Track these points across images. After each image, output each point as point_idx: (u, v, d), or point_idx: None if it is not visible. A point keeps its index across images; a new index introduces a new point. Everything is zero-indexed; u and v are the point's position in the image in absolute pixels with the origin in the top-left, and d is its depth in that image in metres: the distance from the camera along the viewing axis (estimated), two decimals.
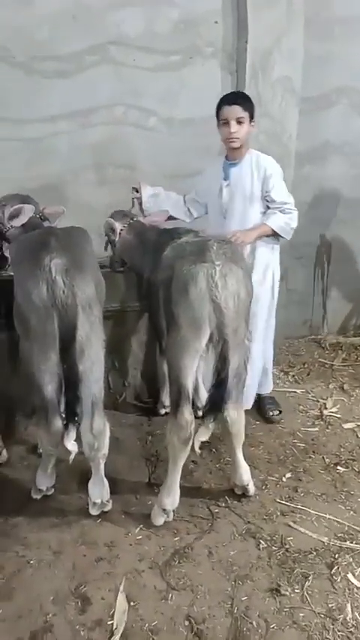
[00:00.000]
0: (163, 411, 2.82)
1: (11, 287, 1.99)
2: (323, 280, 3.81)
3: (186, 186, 3.24)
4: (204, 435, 2.01)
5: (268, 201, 2.55)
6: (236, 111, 2.45)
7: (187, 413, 1.97)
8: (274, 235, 2.58)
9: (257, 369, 2.75)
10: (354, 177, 3.60)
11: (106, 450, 2.02)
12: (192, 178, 3.26)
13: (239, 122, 2.46)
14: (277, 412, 2.83)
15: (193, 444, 1.99)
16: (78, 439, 1.97)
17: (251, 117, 2.50)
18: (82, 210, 2.89)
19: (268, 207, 2.56)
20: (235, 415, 2.06)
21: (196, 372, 2.01)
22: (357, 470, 2.41)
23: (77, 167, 3.10)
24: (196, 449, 2.01)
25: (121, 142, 3.12)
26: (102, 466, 2.05)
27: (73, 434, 1.94)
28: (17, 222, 2.17)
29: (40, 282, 1.80)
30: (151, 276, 2.46)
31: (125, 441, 2.59)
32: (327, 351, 3.67)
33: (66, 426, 1.92)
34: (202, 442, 2.01)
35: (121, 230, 2.65)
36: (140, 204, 2.72)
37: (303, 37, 3.17)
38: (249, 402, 2.72)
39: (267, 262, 2.65)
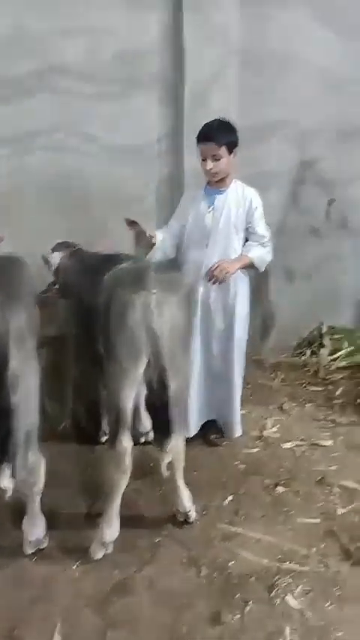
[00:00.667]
0: (104, 439, 2.77)
1: None
2: (262, 301, 3.93)
3: (127, 213, 3.29)
4: (167, 458, 2.00)
5: (250, 232, 2.60)
6: (210, 148, 2.43)
7: (125, 442, 1.95)
8: (250, 267, 2.65)
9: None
10: (290, 205, 3.78)
11: (42, 485, 1.95)
12: (131, 203, 3.33)
13: (215, 158, 2.44)
14: (219, 435, 2.86)
15: (131, 471, 1.97)
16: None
17: (230, 148, 2.46)
18: (23, 235, 2.83)
19: (246, 239, 2.62)
20: (176, 442, 2.06)
21: (135, 399, 2.01)
22: (295, 489, 2.46)
23: (18, 192, 3.05)
24: (164, 472, 2.01)
25: (62, 167, 3.12)
26: (37, 502, 1.98)
27: (7, 470, 1.86)
28: None
29: None
30: (90, 302, 2.44)
31: (64, 471, 2.51)
32: (267, 372, 3.77)
33: (1, 461, 1.85)
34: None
35: (62, 257, 2.65)
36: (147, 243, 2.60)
37: (239, 71, 3.32)
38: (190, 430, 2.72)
39: (245, 293, 2.70)
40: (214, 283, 2.56)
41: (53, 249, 2.65)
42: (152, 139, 3.29)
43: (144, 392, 2.70)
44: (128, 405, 1.95)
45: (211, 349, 2.69)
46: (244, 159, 3.43)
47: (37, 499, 1.98)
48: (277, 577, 1.95)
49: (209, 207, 2.57)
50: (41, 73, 2.99)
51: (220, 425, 2.83)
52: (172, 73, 3.24)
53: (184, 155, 3.26)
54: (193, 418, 2.70)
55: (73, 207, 3.14)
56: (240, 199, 2.57)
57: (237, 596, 1.86)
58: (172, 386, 1.96)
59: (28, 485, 1.92)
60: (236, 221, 2.56)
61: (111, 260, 2.44)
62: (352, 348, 3.93)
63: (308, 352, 3.99)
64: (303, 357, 3.96)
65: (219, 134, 2.44)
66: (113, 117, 3.16)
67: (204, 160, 2.47)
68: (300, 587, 1.90)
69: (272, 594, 1.88)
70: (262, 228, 2.60)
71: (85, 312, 2.47)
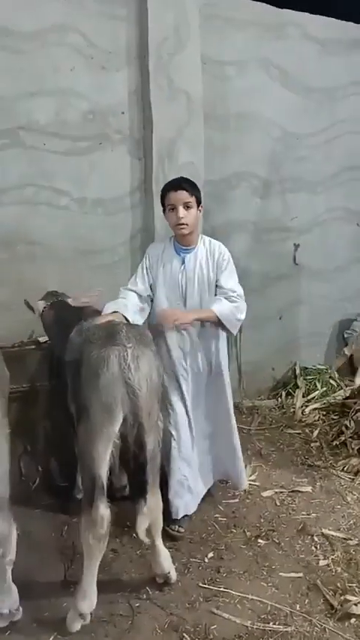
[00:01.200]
0: (80, 495, 2.68)
1: None
2: (237, 346, 3.97)
3: (99, 262, 3.33)
4: (144, 522, 1.93)
5: (218, 287, 2.47)
6: (183, 196, 2.36)
7: (102, 507, 1.86)
8: (220, 325, 2.47)
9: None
10: (256, 251, 3.89)
11: (13, 556, 1.86)
12: (104, 254, 3.37)
13: (187, 207, 2.36)
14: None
15: (107, 539, 1.89)
16: None
17: (198, 202, 2.43)
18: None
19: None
20: (153, 501, 2.02)
21: (110, 458, 1.95)
22: (277, 541, 2.43)
23: None
24: (143, 539, 1.95)
25: (33, 220, 3.14)
26: (9, 574, 1.88)
27: None
28: None
29: None
30: (60, 356, 2.42)
31: (38, 533, 2.42)
32: (244, 416, 3.76)
33: None
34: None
35: (44, 308, 2.64)
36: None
37: (203, 127, 3.48)
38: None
39: (224, 349, 2.59)
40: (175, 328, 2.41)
41: (42, 298, 2.65)
42: (123, 193, 3.37)
43: (118, 447, 2.70)
44: (104, 467, 1.88)
45: (201, 409, 2.57)
46: (212, 210, 3.57)
47: (9, 570, 1.88)
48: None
49: (181, 266, 2.48)
50: (11, 131, 3.04)
51: (227, 480, 2.76)
52: (140, 129, 3.37)
53: (155, 207, 3.34)
54: (197, 490, 2.57)
55: (46, 258, 3.16)
56: (209, 254, 2.50)
57: None
58: (150, 444, 1.94)
59: None
60: (209, 278, 2.48)
61: (80, 313, 2.44)
62: (324, 388, 3.99)
63: (284, 394, 4.03)
64: (279, 399, 3.99)
65: (189, 185, 2.43)
66: (84, 172, 3.23)
67: (172, 210, 2.39)
68: None
69: None
70: (231, 282, 2.48)
71: (58, 364, 2.45)
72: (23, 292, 3.06)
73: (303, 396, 3.91)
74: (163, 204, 2.46)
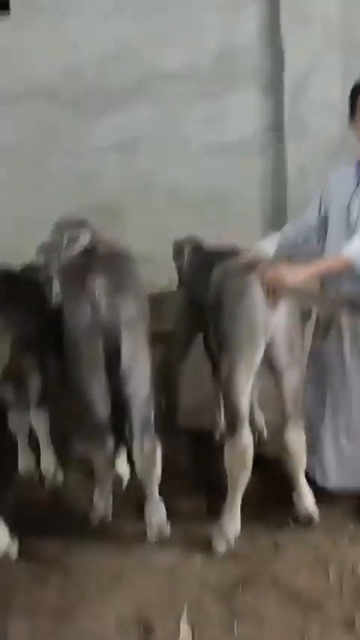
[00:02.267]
0: (218, 435, 2.76)
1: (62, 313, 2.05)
2: None
3: (229, 209, 3.30)
4: None
5: None
6: None
7: (246, 436, 1.90)
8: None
9: None
10: None
11: (159, 473, 1.98)
12: (234, 200, 3.32)
13: None
14: None
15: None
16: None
17: None
18: (130, 235, 2.96)
19: None
20: (297, 438, 1.99)
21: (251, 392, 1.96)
22: None
23: (125, 194, 3.21)
24: None
25: (166, 168, 3.21)
26: (156, 489, 2.01)
27: (123, 457, 1.93)
28: (73, 250, 2.15)
29: (83, 304, 1.85)
30: (201, 298, 2.45)
31: (181, 466, 2.53)
32: None
33: (116, 449, 1.92)
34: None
35: (187, 251, 2.71)
36: None
37: (340, 56, 3.20)
38: None
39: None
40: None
41: (180, 244, 2.72)
42: (253, 135, 3.27)
43: (257, 391, 2.69)
44: (246, 397, 1.90)
45: None
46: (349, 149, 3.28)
47: (156, 486, 2.01)
48: None
49: (356, 189, 2.01)
50: (140, 82, 3.12)
51: None
52: (271, 64, 3.21)
53: (286, 148, 3.20)
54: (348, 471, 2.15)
55: (178, 205, 3.22)
56: None
57: None
58: (291, 379, 1.94)
59: (145, 472, 1.95)
60: None
61: (221, 254, 2.44)
62: None
63: None
64: None
65: None
66: (213, 116, 3.20)
67: None
68: None
69: None
70: None
71: (198, 305, 2.49)
72: (156, 241, 3.15)
73: None
74: (352, 108, 1.98)
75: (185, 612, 1.71)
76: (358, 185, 2.01)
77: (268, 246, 2.20)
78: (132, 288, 1.97)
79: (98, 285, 1.85)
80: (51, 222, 2.41)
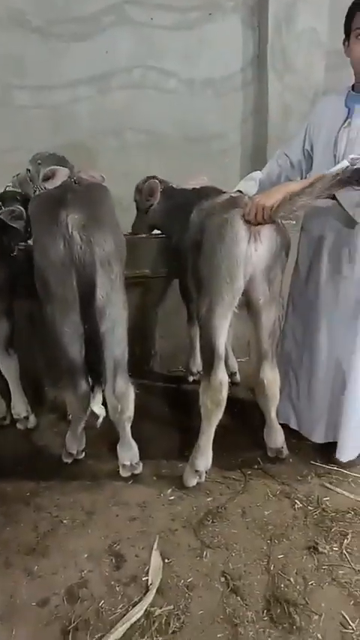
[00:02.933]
0: (191, 379, 2.78)
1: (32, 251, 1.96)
2: None
3: (208, 150, 3.17)
4: None
5: None
6: None
7: (220, 373, 1.91)
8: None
9: None
10: None
11: (131, 413, 1.99)
12: (213, 140, 3.18)
13: None
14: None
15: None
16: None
17: None
18: (107, 175, 2.83)
19: None
20: (272, 376, 2.01)
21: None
22: None
23: (97, 133, 3.03)
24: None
25: (142, 105, 3.04)
26: (128, 429, 2.03)
27: (99, 396, 1.92)
28: (50, 185, 2.03)
29: (56, 239, 1.75)
30: (178, 241, 2.39)
31: (154, 408, 2.57)
32: None
33: (92, 389, 1.91)
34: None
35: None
36: None
37: None
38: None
39: None
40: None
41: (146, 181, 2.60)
42: (234, 70, 3.11)
43: (230, 333, 2.69)
44: (222, 337, 1.90)
45: (342, 332, 2.03)
46: (334, 83, 3.15)
47: (128, 426, 2.03)
48: None
49: (345, 120, 1.88)
50: (117, 6, 2.88)
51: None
52: None
53: (269, 84, 3.05)
54: (318, 419, 2.17)
55: (154, 146, 3.07)
56: None
57: (334, 529, 1.81)
58: (270, 318, 1.93)
59: (118, 411, 1.96)
60: None
61: (199, 194, 2.35)
62: None
63: None
64: None
65: None
66: (193, 48, 3.01)
67: (358, 37, 1.79)
68: None
69: None
70: None
71: (175, 247, 2.43)
72: (133, 183, 3.04)
73: None
74: (347, 31, 1.87)
75: (156, 543, 1.76)
76: (346, 119, 1.89)
77: (249, 187, 2.12)
78: (108, 225, 1.88)
79: (72, 219, 1.75)
80: (15, 164, 2.28)
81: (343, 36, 1.93)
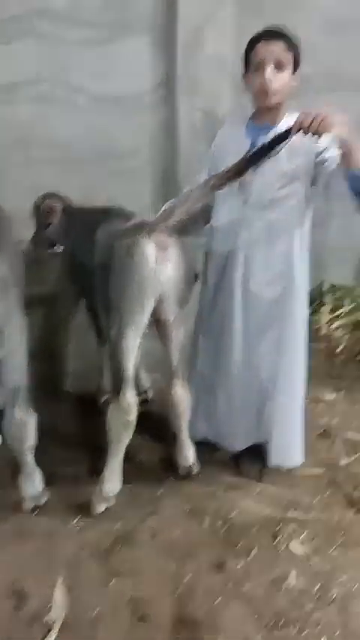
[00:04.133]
0: (103, 399, 2.74)
1: None
2: None
3: (118, 166, 3.17)
4: None
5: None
6: (277, 49, 1.79)
7: (129, 395, 1.91)
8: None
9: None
10: None
11: (32, 442, 1.91)
12: (124, 158, 3.19)
13: (279, 66, 1.81)
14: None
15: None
16: None
17: (295, 65, 1.85)
18: (9, 191, 2.72)
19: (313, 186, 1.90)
20: (183, 393, 2.03)
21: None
22: None
23: (3, 146, 2.92)
24: None
25: (49, 120, 2.97)
26: (30, 458, 1.95)
27: None
28: None
29: None
30: (83, 259, 2.34)
31: (63, 430, 2.49)
32: None
33: None
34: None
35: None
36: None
37: (235, 13, 3.14)
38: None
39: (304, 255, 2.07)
40: (305, 133, 1.63)
41: (41, 199, 2.54)
42: (145, 88, 3.13)
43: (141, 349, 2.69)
44: (132, 359, 1.89)
45: (257, 342, 2.07)
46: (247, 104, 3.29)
47: (30, 455, 1.95)
48: (280, 525, 1.93)
49: (250, 149, 1.88)
50: (25, 17, 2.80)
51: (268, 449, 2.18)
52: (164, 17, 3.05)
53: (179, 105, 3.12)
54: (235, 431, 2.19)
55: (63, 161, 3.01)
56: (297, 140, 1.75)
57: (240, 543, 1.85)
58: (177, 336, 1.96)
59: (16, 442, 1.89)
60: (291, 169, 1.86)
61: (103, 213, 2.34)
62: (352, 305, 3.87)
63: (310, 311, 3.92)
64: None
65: (289, 38, 1.83)
66: (102, 65, 2.99)
67: (257, 69, 1.82)
68: (304, 534, 1.89)
69: (276, 541, 1.87)
70: None
71: (79, 267, 2.38)
72: None
73: (330, 313, 3.80)
74: (246, 63, 1.90)
75: (61, 578, 1.69)
76: (250, 150, 1.85)
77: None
78: (4, 247, 1.81)
79: None
80: None
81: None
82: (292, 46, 1.85)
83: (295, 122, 1.65)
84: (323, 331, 3.63)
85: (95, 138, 3.06)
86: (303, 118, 1.62)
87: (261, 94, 1.86)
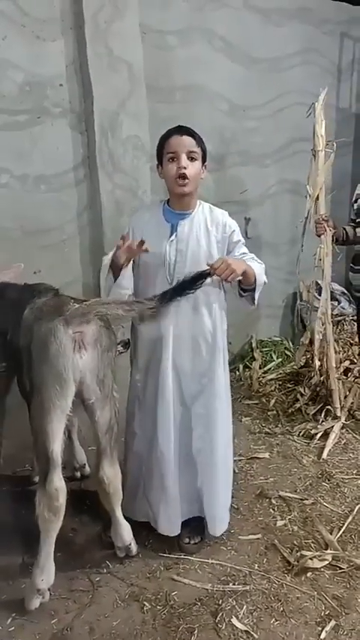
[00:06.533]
0: (36, 478, 2.64)
1: None
2: None
3: (46, 241, 3.23)
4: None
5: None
6: (188, 143, 1.97)
7: (56, 480, 1.86)
8: (247, 291, 2.06)
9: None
10: None
11: None
12: (51, 232, 3.26)
13: (191, 157, 1.98)
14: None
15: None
16: None
17: (203, 159, 2.04)
18: None
19: None
20: (112, 473, 2.02)
21: (68, 432, 1.94)
22: (235, 506, 2.44)
23: None
24: None
25: None
26: None
27: None
28: None
29: None
30: (12, 337, 2.34)
31: None
32: None
33: None
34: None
35: None
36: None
37: (147, 100, 3.40)
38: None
39: (224, 327, 2.18)
40: (222, 280, 1.91)
41: None
42: (67, 168, 3.27)
43: (76, 424, 2.66)
44: (57, 442, 1.86)
45: (189, 416, 2.14)
46: (158, 183, 3.51)
47: None
48: (221, 600, 1.92)
49: (170, 236, 2.05)
50: None
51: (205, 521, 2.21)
52: (81, 102, 3.25)
53: (100, 182, 3.27)
54: (174, 512, 2.17)
55: None
56: (209, 223, 2.05)
57: (182, 627, 1.81)
58: (105, 415, 1.96)
59: None
60: (209, 252, 2.03)
61: (32, 291, 2.35)
62: (280, 359, 4.06)
63: (241, 366, 4.07)
64: (237, 372, 4.03)
65: (198, 136, 2.01)
66: (24, 147, 3.10)
67: (172, 159, 1.97)
68: (245, 608, 1.89)
69: (217, 619, 1.85)
70: (246, 251, 2.11)
71: (8, 346, 2.35)
72: None
73: (260, 368, 3.96)
74: (159, 156, 2.05)
75: None
76: (172, 234, 2.04)
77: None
78: None
79: None
80: None
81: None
82: (200, 142, 2.03)
83: (212, 267, 1.87)
84: (255, 387, 3.76)
85: (22, 215, 3.12)
86: (219, 265, 1.86)
87: (177, 180, 1.98)
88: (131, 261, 2.03)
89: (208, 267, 1.89)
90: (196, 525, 2.22)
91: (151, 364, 2.14)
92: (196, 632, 1.79)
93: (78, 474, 2.72)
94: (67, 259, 3.35)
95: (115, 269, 2.01)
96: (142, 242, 1.90)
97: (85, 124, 3.27)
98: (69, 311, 1.87)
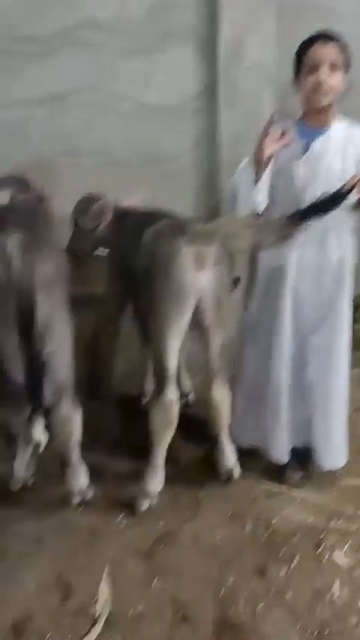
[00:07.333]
0: (145, 400, 2.77)
1: None
2: None
3: (161, 171, 3.22)
4: None
5: None
6: (332, 52, 1.80)
7: (171, 393, 1.94)
8: None
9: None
10: None
11: (78, 438, 1.96)
12: (167, 163, 3.23)
13: (333, 68, 1.81)
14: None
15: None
16: None
17: (347, 65, 1.85)
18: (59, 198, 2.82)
19: None
20: (222, 395, 2.05)
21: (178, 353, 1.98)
22: None
23: (50, 153, 3.03)
24: None
25: (96, 127, 3.06)
26: (76, 454, 2.00)
27: (40, 421, 1.87)
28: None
29: None
30: (130, 263, 2.39)
31: (106, 430, 2.53)
32: None
33: (32, 415, 1.86)
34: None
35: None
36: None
37: (277, 22, 3.16)
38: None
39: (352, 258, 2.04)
40: None
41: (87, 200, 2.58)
42: (187, 97, 3.19)
43: (185, 352, 2.71)
44: (174, 358, 1.93)
45: (305, 348, 2.08)
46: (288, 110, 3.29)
47: (76, 451, 1.99)
48: (323, 534, 1.91)
49: (303, 153, 1.91)
50: (70, 30, 2.92)
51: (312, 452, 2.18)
52: (206, 26, 3.10)
53: (220, 112, 3.16)
54: (285, 439, 2.14)
55: (108, 166, 3.09)
56: (348, 141, 1.87)
57: (282, 551, 1.84)
58: (217, 338, 1.98)
59: (61, 438, 1.93)
60: (344, 172, 1.85)
61: (151, 217, 2.37)
62: None
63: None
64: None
65: (343, 42, 1.84)
66: (146, 73, 3.07)
67: (312, 70, 1.82)
68: (348, 545, 1.86)
69: (319, 550, 1.84)
70: None
71: (126, 270, 2.42)
72: None
73: None
74: (298, 67, 1.91)
75: (105, 573, 1.73)
76: (304, 153, 1.90)
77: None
78: (49, 247, 1.84)
79: (12, 241, 1.71)
80: None
81: (290, 69, 1.97)
82: (345, 48, 1.85)
83: (352, 180, 1.72)
84: None
85: (140, 143, 3.13)
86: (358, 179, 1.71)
87: (315, 94, 1.85)
88: (270, 162, 1.88)
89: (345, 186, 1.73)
90: (302, 459, 2.20)
91: (269, 291, 2.07)
92: (297, 558, 1.81)
93: (183, 401, 2.79)
94: (183, 190, 3.31)
95: (258, 166, 1.86)
96: (283, 133, 1.82)
97: (209, 48, 3.13)
98: (193, 230, 1.86)
